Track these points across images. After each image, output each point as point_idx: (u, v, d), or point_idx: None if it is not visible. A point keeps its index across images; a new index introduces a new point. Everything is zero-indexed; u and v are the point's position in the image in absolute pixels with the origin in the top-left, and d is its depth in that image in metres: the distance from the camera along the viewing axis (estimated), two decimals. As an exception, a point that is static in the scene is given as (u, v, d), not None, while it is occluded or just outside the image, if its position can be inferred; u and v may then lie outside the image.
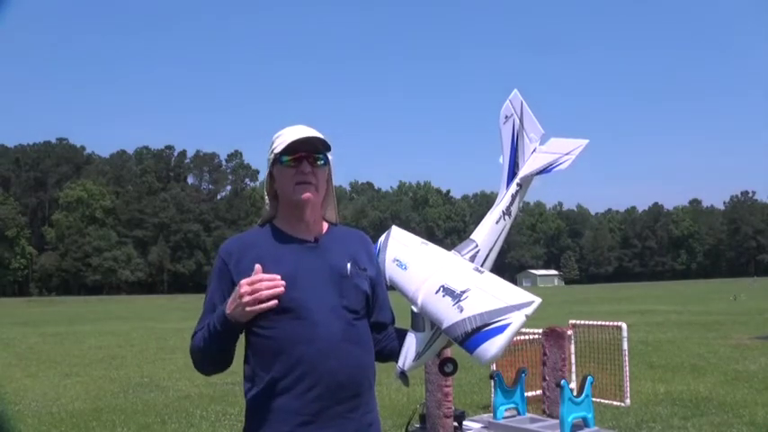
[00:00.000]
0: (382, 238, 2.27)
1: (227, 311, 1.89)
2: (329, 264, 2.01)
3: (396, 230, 2.28)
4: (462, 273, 1.93)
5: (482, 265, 2.05)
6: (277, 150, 2.00)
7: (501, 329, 1.71)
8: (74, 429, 7.46)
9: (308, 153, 2.00)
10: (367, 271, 2.07)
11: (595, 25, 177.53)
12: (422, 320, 1.96)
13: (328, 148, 2.05)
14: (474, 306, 1.78)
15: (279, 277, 1.90)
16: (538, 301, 1.73)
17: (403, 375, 2.02)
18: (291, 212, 2.04)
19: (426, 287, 1.94)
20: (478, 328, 1.73)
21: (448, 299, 1.84)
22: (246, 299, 1.86)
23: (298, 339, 1.91)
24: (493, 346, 1.70)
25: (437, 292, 1.89)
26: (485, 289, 1.82)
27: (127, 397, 9.42)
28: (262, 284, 1.87)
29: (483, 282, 1.86)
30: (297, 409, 1.89)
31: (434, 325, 1.92)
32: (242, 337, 2.00)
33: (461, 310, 1.79)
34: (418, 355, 1.97)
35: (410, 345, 1.99)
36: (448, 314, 1.81)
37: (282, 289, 1.90)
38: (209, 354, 1.99)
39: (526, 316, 1.71)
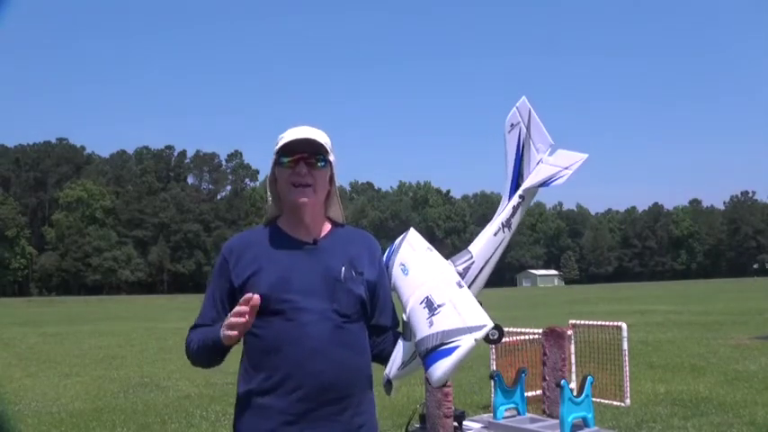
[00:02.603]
0: (398, 239, 2.21)
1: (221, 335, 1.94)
2: (324, 266, 2.01)
3: (412, 234, 2.20)
4: (445, 286, 1.87)
5: (476, 277, 1.99)
6: (277, 151, 2.01)
7: (450, 352, 1.66)
8: (74, 429, 7.46)
9: (307, 154, 1.99)
10: (364, 275, 2.05)
11: (596, 26, 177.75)
12: (410, 329, 1.91)
13: (327, 151, 2.03)
14: (441, 322, 1.73)
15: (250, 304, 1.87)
16: (489, 325, 1.66)
17: (388, 384, 1.99)
18: (291, 213, 2.06)
19: (415, 297, 1.91)
20: (435, 347, 1.69)
21: (426, 311, 1.81)
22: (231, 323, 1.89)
23: (286, 340, 1.93)
24: (440, 368, 1.66)
25: (421, 303, 1.85)
26: (456, 305, 1.77)
27: (127, 397, 9.42)
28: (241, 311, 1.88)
29: (457, 297, 1.80)
30: (282, 409, 1.92)
31: None
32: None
33: (431, 325, 1.75)
34: (404, 365, 1.95)
35: (398, 353, 1.97)
36: (420, 327, 1.78)
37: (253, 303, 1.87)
38: (200, 361, 2.09)
39: (475, 340, 1.65)
